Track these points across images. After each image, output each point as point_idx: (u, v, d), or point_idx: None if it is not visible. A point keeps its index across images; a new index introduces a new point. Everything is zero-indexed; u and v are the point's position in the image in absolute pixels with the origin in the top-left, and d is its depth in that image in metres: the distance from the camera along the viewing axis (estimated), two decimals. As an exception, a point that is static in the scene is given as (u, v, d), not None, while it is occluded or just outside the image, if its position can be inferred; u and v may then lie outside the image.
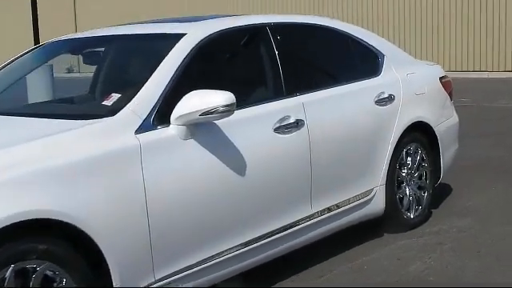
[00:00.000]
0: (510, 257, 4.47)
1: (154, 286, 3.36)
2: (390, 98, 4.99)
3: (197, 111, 3.48)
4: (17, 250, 2.85)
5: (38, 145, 3.11)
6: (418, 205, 5.23)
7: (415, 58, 6.16)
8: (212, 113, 3.49)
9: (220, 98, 3.50)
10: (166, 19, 4.90)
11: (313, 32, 4.94)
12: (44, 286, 2.93)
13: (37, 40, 15.23)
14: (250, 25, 4.46)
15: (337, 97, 4.61)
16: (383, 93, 4.95)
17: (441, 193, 5.86)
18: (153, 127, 3.47)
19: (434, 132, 5.35)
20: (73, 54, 5.17)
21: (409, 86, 5.21)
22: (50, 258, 2.94)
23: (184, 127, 3.53)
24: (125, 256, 3.20)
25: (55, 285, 2.97)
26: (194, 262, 3.54)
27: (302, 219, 4.22)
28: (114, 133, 3.33)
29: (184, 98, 3.53)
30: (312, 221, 4.29)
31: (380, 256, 4.61)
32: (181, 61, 3.77)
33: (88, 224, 3.04)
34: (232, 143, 3.75)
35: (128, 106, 3.49)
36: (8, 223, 2.77)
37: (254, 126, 3.95)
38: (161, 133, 3.48)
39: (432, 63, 6.26)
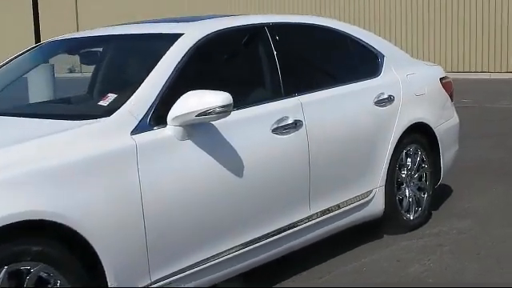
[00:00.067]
0: (510, 259, 4.44)
1: (150, 287, 3.33)
2: (390, 99, 4.96)
3: (193, 112, 3.46)
4: (11, 251, 2.83)
5: (32, 145, 3.09)
6: (418, 206, 5.20)
7: (416, 58, 6.13)
8: (209, 113, 3.47)
9: (217, 98, 3.47)
10: (164, 19, 4.89)
11: (311, 32, 4.92)
12: (38, 288, 2.91)
13: (38, 40, 15.19)
14: (248, 25, 4.43)
15: (336, 97, 4.58)
16: (383, 93, 4.92)
17: (441, 194, 5.84)
18: (149, 128, 3.44)
19: (434, 133, 5.32)
20: (70, 53, 5.15)
21: (409, 86, 5.18)
22: (45, 260, 2.92)
23: (181, 128, 3.50)
24: (120, 257, 3.18)
25: (49, 286, 2.95)
26: (191, 263, 3.52)
27: (301, 220, 4.19)
28: (110, 133, 3.31)
29: (181, 98, 3.51)
30: (311, 222, 4.27)
31: (379, 257, 4.59)
32: (178, 61, 3.75)
33: (82, 225, 3.02)
34: (229, 144, 3.73)
35: (124, 106, 3.47)
36: (1, 224, 2.75)
37: (252, 126, 3.92)
38: (157, 133, 3.46)
39: (432, 64, 6.24)
